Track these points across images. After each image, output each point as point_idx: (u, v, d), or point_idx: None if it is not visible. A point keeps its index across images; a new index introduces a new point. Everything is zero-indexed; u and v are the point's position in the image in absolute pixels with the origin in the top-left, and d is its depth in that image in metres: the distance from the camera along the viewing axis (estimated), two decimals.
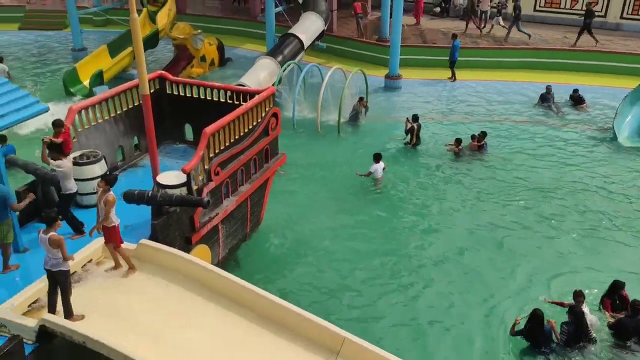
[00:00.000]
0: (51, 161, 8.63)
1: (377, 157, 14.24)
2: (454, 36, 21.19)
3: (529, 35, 23.26)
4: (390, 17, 21.14)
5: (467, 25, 24.70)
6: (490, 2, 25.05)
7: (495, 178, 14.62)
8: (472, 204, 13.49)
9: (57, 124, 9.19)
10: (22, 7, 29.91)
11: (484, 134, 15.95)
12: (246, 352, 7.04)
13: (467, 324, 9.66)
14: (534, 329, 8.70)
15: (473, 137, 15.97)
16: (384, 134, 17.20)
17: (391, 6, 21.00)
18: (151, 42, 21.79)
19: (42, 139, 8.87)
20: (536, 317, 8.70)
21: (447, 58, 21.18)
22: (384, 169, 14.29)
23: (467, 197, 13.75)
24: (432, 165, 15.32)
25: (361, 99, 17.91)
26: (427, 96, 20.25)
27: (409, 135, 16.08)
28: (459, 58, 21.06)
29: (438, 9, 27.62)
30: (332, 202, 13.44)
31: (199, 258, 8.44)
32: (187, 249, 8.85)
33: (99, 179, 8.54)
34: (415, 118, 16.06)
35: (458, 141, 15.75)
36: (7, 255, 7.99)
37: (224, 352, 6.99)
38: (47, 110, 7.29)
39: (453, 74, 21.35)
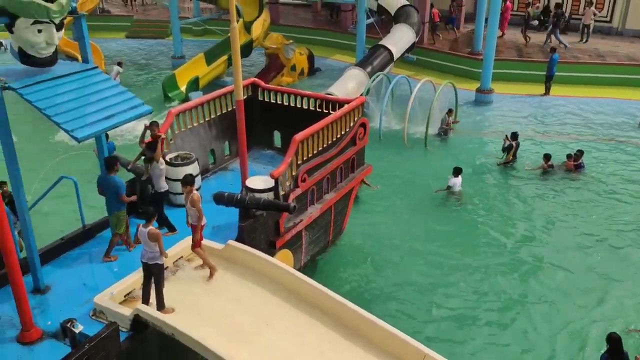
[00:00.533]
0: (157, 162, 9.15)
1: (456, 171, 13.91)
2: (552, 50, 20.32)
3: (565, 46, 22.31)
4: (485, 29, 20.66)
5: (548, 39, 23.68)
6: (594, 15, 23.86)
7: (590, 200, 13.81)
8: (561, 224, 12.84)
9: (153, 125, 9.66)
10: (129, 17, 32.16)
11: (580, 153, 15.10)
12: (323, 358, 7.04)
13: (551, 346, 9.15)
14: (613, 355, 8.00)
15: (569, 156, 15.15)
16: (473, 148, 16.78)
17: (486, 18, 20.51)
18: (245, 51, 22.58)
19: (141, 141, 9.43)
20: (612, 340, 8.00)
21: (543, 72, 20.35)
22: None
23: (556, 216, 13.11)
24: (521, 183, 14.72)
25: (450, 111, 17.56)
26: (520, 112, 19.58)
27: (506, 153, 15.51)
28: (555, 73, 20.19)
29: (536, 22, 26.59)
30: (414, 215, 13.26)
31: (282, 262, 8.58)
32: (271, 253, 9.00)
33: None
34: (514, 136, 15.47)
35: (547, 157, 15.04)
36: (112, 245, 8.54)
37: (302, 356, 7.04)
38: (151, 112, 7.71)
39: (547, 89, 20.47)
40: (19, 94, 6.60)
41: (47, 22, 6.66)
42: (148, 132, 9.48)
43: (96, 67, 7.69)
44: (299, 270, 9.76)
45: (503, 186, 14.64)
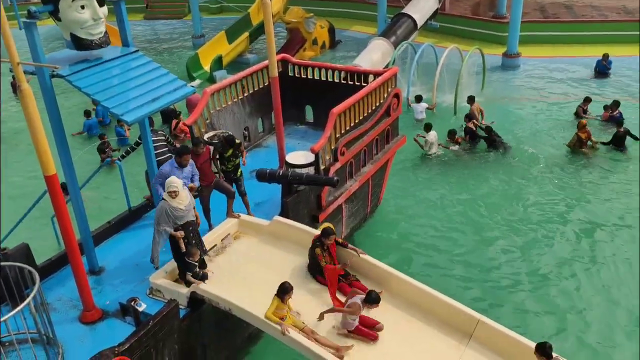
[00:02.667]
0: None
1: (427, 127, 14.28)
2: None
3: None
4: None
5: None
6: None
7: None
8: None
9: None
10: None
11: (616, 104, 15.02)
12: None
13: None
14: None
15: (605, 107, 15.22)
16: (506, 117, 16.48)
17: None
18: None
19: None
20: None
21: (571, 33, 19.90)
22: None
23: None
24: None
25: (471, 99, 16.07)
26: (551, 75, 19.17)
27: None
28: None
29: None
30: (446, 184, 13.23)
31: None
32: (314, 227, 9.09)
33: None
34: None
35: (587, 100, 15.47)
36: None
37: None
38: (194, 92, 7.77)
39: None
40: (67, 81, 6.70)
41: None
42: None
43: (137, 51, 7.73)
44: None
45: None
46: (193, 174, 8.21)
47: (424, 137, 14.27)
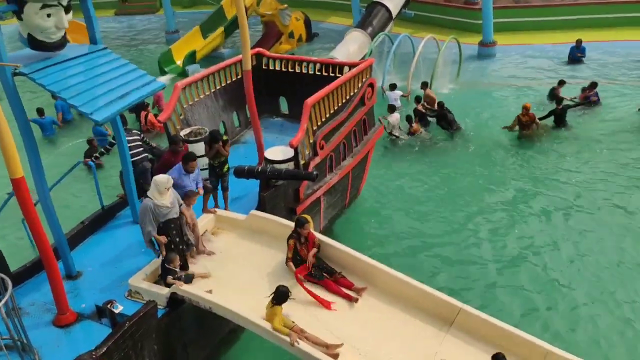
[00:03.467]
0: None
1: (391, 108, 14.71)
2: None
3: None
4: None
5: None
6: None
7: None
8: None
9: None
10: None
11: (593, 85, 15.29)
12: (359, 320, 7.12)
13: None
14: None
15: (583, 89, 15.47)
16: (478, 102, 16.58)
17: None
18: None
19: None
20: None
21: (545, 18, 20.06)
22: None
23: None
24: None
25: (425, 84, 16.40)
26: (527, 63, 19.33)
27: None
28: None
29: None
30: (424, 172, 13.26)
31: None
32: (292, 219, 9.00)
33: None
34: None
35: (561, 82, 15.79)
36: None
37: (336, 319, 7.14)
38: (164, 87, 7.61)
39: None
40: (31, 79, 6.48)
41: (55, 6, 6.48)
42: None
43: (105, 48, 7.54)
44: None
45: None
46: (197, 180, 8.23)
47: (387, 118, 14.39)
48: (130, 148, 8.94)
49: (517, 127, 14.31)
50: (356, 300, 7.26)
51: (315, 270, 7.53)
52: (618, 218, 11.04)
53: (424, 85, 15.94)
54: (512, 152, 13.88)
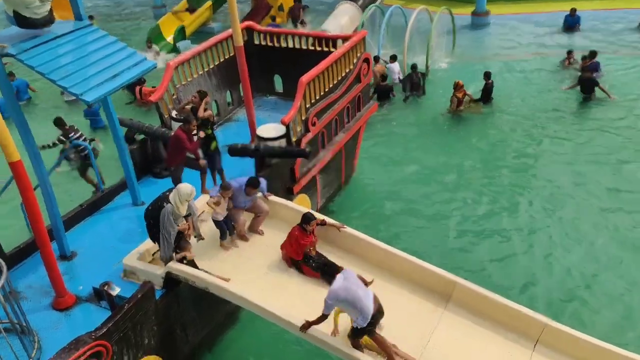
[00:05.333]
0: None
1: (392, 58, 15.68)
2: None
3: None
4: None
5: None
6: None
7: None
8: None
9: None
10: None
11: (593, 54, 15.22)
12: None
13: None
14: None
15: (583, 57, 15.46)
16: (473, 74, 16.44)
17: None
18: None
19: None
20: None
21: None
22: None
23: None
24: None
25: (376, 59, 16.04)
26: (522, 33, 19.16)
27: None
28: None
29: None
30: (421, 147, 13.22)
31: None
32: (289, 199, 9.01)
33: None
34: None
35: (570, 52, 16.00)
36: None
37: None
38: (155, 66, 7.46)
39: None
40: (18, 60, 6.35)
41: None
42: None
43: (91, 24, 7.37)
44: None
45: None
46: (249, 204, 8.04)
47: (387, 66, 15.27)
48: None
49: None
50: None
51: (315, 263, 7.36)
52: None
53: (375, 59, 15.65)
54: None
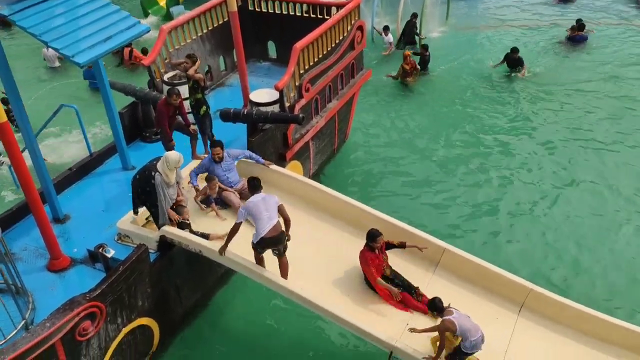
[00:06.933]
0: None
1: (385, 28, 15.77)
2: None
3: None
4: None
5: None
6: None
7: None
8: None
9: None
10: None
11: (581, 26, 15.53)
12: (346, 260, 7.31)
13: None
14: None
15: (572, 27, 15.75)
16: (469, 46, 16.41)
17: None
18: None
19: None
20: None
21: None
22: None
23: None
24: None
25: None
26: (515, 2, 19.06)
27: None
28: None
29: None
30: (410, 113, 13.33)
31: None
32: (282, 165, 9.07)
33: None
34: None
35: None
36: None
37: (322, 258, 7.35)
38: (148, 30, 7.38)
39: None
40: (10, 21, 6.28)
41: None
42: None
43: None
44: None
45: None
46: (230, 174, 8.07)
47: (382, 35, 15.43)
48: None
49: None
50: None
51: (391, 283, 6.95)
52: None
53: None
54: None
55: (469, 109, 13.37)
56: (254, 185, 6.82)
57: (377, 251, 6.87)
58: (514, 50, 14.52)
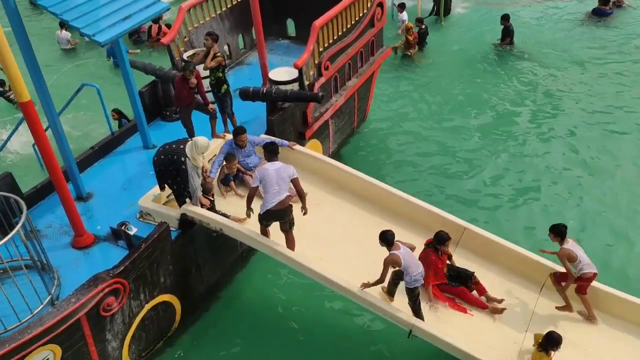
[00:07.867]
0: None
1: (401, 6, 15.41)
2: None
3: None
4: None
5: None
6: None
7: None
8: None
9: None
10: None
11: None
12: (367, 239, 7.29)
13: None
14: None
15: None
16: (487, 23, 16.07)
17: None
18: None
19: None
20: None
21: None
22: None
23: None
24: None
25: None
26: None
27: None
28: None
29: None
30: (427, 92, 13.16)
31: None
32: (301, 144, 9.04)
33: None
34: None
35: None
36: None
37: (349, 240, 7.32)
38: (168, 8, 7.36)
39: None
40: (32, 0, 6.30)
41: None
42: None
43: None
44: None
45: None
46: (250, 160, 8.10)
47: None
48: None
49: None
50: (494, 309, 6.71)
51: (449, 279, 6.89)
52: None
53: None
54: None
55: (487, 85, 13.15)
56: (271, 150, 6.79)
57: (440, 253, 6.74)
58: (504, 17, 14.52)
